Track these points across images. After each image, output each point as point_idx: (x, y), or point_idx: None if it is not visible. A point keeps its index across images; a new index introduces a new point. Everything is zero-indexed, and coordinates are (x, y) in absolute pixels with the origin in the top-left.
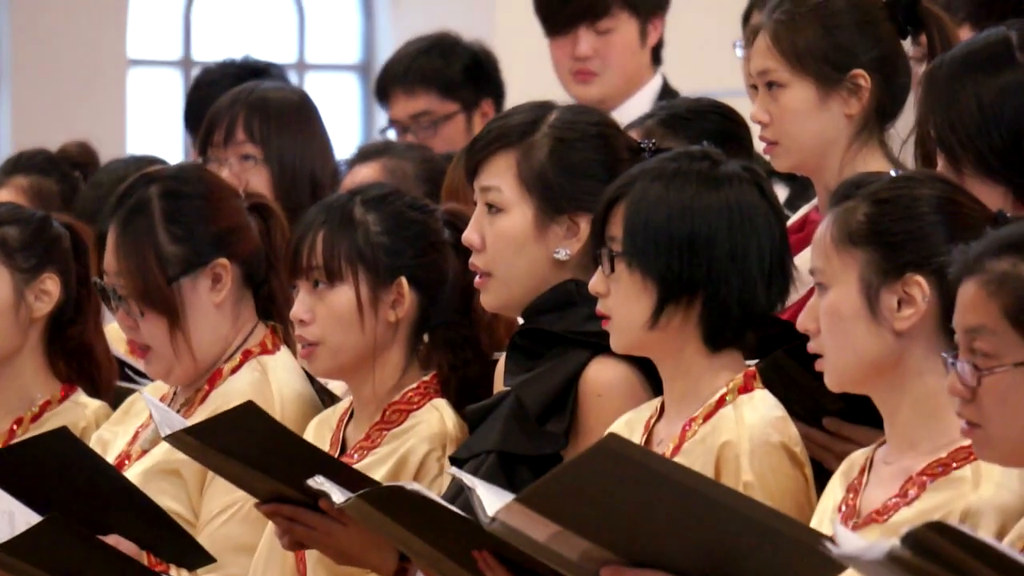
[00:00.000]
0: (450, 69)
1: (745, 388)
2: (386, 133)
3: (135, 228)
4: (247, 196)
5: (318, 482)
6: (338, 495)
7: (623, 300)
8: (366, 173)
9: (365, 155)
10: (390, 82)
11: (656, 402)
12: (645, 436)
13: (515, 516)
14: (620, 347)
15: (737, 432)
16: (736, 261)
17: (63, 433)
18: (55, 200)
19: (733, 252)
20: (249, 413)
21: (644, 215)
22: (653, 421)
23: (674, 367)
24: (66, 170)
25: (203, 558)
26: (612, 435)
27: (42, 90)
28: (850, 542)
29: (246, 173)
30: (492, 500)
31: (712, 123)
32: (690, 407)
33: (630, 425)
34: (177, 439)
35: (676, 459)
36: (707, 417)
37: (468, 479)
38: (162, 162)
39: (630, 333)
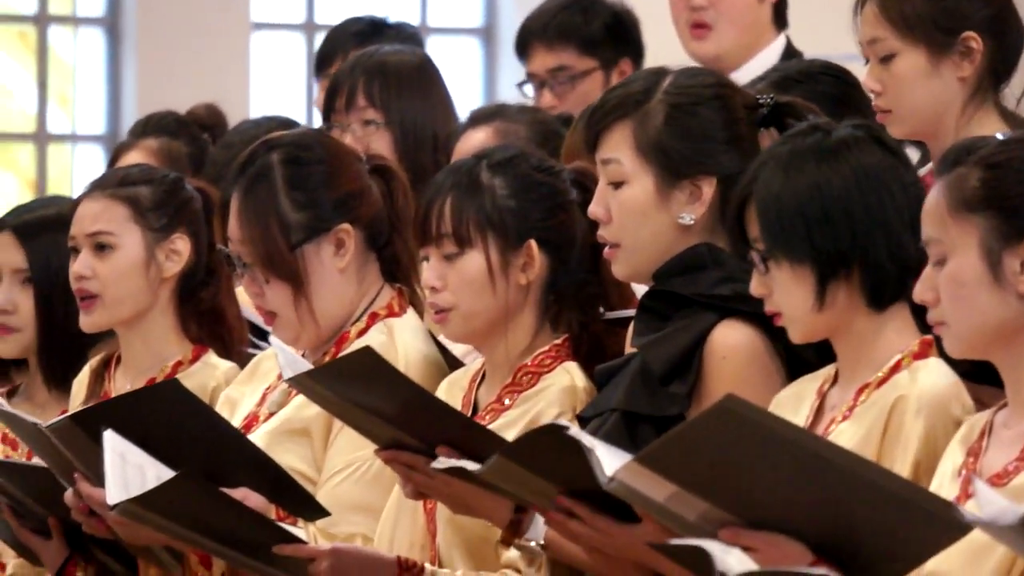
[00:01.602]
0: (590, 26)
1: (920, 354)
2: (523, 87)
3: (257, 196)
4: (368, 158)
5: (442, 463)
6: (470, 467)
7: (785, 294)
8: (479, 138)
9: (476, 119)
10: (530, 36)
11: (830, 369)
12: (817, 402)
13: (634, 476)
14: (797, 337)
15: (910, 392)
16: (876, 221)
17: (174, 384)
18: (184, 162)
19: (870, 213)
20: (368, 359)
21: (774, 208)
22: (827, 387)
23: (846, 336)
24: (195, 132)
25: (317, 511)
26: (730, 395)
27: (167, 54)
28: (991, 501)
29: (368, 138)
30: (611, 460)
31: (824, 85)
32: (864, 372)
33: (799, 392)
34: (299, 382)
35: (846, 424)
36: (881, 383)
37: (587, 439)
38: (293, 123)
39: (802, 322)
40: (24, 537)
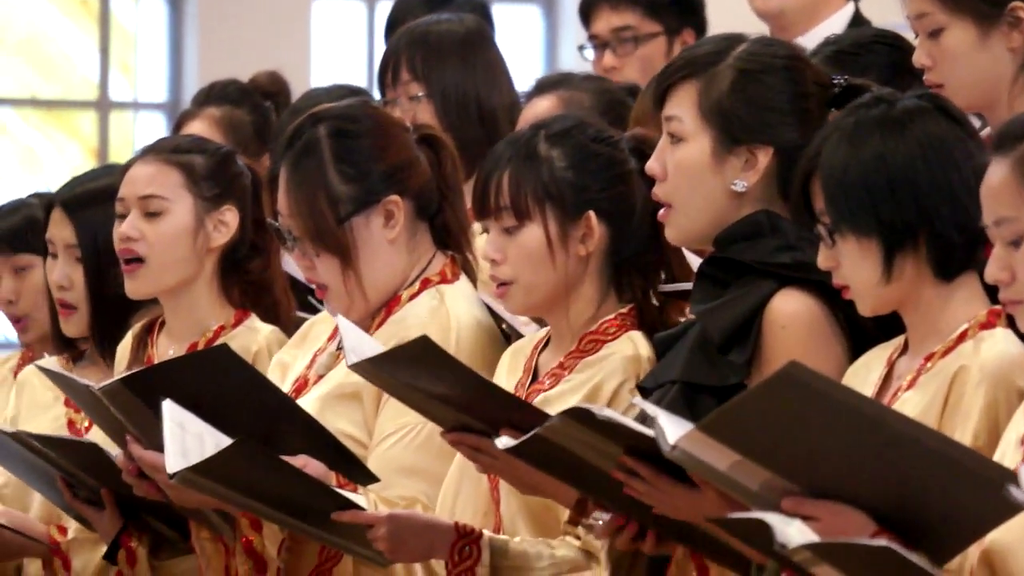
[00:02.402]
0: None
1: (987, 324)
2: (583, 51)
3: (305, 169)
4: (415, 128)
5: (505, 442)
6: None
7: (852, 267)
8: (544, 106)
9: (541, 88)
10: None
11: (900, 339)
12: (886, 371)
13: (696, 444)
14: (866, 310)
15: (972, 363)
16: (941, 191)
17: (224, 349)
18: (246, 130)
19: (935, 183)
20: (425, 347)
21: (839, 179)
22: (896, 356)
23: (914, 307)
24: (257, 100)
25: (367, 476)
26: (793, 363)
27: (228, 22)
28: None
29: (414, 111)
30: (674, 429)
31: (879, 55)
32: (931, 341)
33: (869, 362)
34: (361, 368)
35: (911, 392)
36: (946, 352)
37: (651, 408)
38: (362, 91)
39: (871, 295)
40: (77, 508)
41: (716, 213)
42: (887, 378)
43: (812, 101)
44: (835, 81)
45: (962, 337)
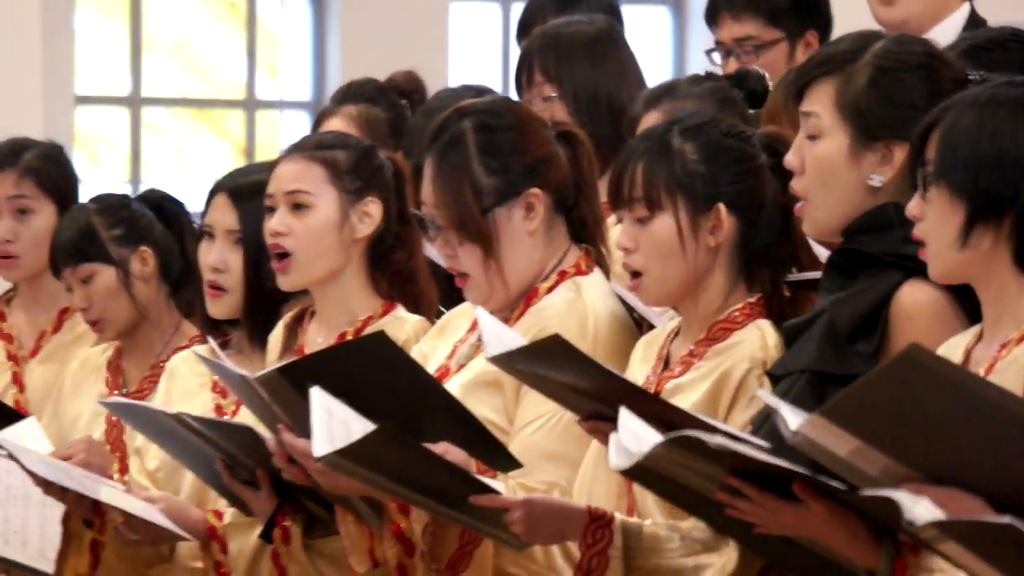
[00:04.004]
0: None
1: None
2: (711, 55)
3: (451, 161)
4: (554, 125)
5: (718, 443)
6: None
7: (935, 221)
8: (652, 120)
9: (648, 102)
10: (719, 5)
11: (976, 328)
12: (962, 360)
13: (817, 430)
14: (935, 273)
15: None
16: None
17: (380, 337)
18: (382, 127)
19: None
20: (558, 345)
21: (955, 137)
22: (972, 345)
23: (989, 290)
24: (393, 99)
25: (510, 462)
26: (915, 345)
27: (370, 23)
28: None
29: (550, 111)
30: (795, 417)
31: (1013, 53)
32: (1006, 328)
33: (948, 350)
34: (499, 361)
35: (988, 378)
36: (1021, 339)
37: (771, 399)
38: (490, 91)
39: (943, 257)
40: (235, 488)
41: (852, 207)
42: (964, 366)
43: (947, 97)
44: (971, 77)
45: None
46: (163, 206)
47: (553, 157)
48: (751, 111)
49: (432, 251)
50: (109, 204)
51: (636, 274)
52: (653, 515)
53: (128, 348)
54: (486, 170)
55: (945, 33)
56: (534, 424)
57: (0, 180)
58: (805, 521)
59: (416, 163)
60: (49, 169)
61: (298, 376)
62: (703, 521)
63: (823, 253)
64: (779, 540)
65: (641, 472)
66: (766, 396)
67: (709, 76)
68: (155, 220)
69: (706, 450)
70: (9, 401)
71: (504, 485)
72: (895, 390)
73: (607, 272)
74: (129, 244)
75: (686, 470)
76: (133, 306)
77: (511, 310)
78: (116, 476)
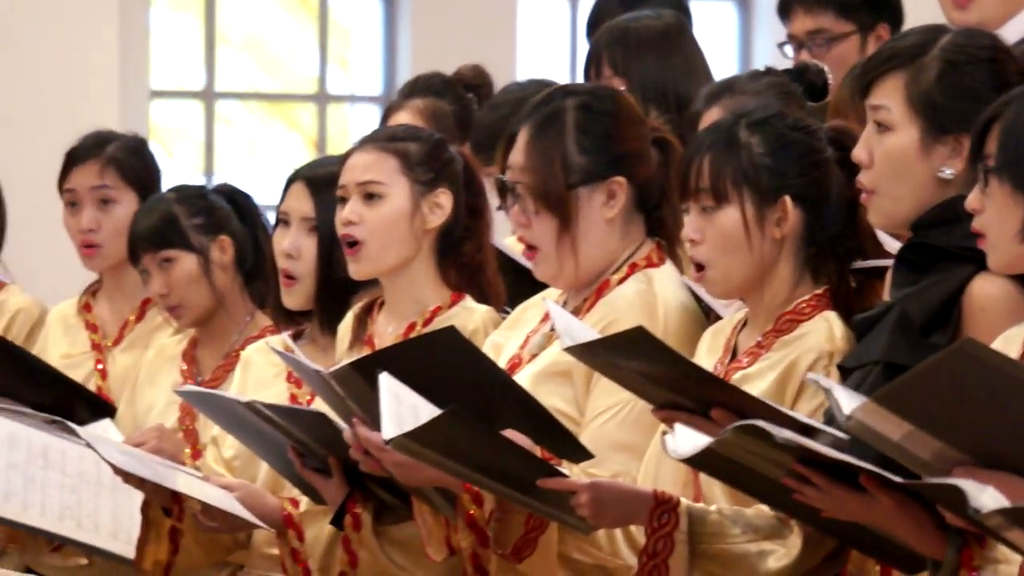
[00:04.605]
0: None
1: None
2: (783, 48)
3: (547, 131)
4: (652, 129)
5: (786, 437)
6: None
7: (995, 214)
8: (712, 117)
9: (709, 99)
10: None
11: None
12: (1021, 351)
13: (871, 415)
14: (995, 264)
15: None
16: None
17: (451, 332)
18: (449, 121)
19: None
20: (640, 336)
21: (1018, 130)
22: None
23: None
24: (460, 92)
25: (582, 453)
26: (969, 340)
27: (440, 18)
28: None
29: None
30: (849, 400)
31: None
32: None
33: (1007, 340)
34: (575, 351)
35: None
36: None
37: (824, 381)
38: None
39: (1002, 248)
40: (307, 476)
41: (922, 200)
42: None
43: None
44: None
45: None
46: (235, 199)
47: (644, 153)
48: (811, 104)
49: (501, 243)
50: (189, 194)
51: (700, 267)
52: (720, 502)
53: (203, 337)
54: (578, 148)
55: (1018, 27)
56: (606, 414)
57: (84, 171)
58: (872, 510)
59: (510, 130)
60: (132, 161)
61: (371, 370)
62: (770, 505)
63: (890, 243)
64: (848, 523)
65: (708, 457)
66: (819, 378)
67: (768, 71)
68: (231, 211)
69: (773, 440)
70: (92, 389)
71: (569, 471)
72: (948, 380)
73: (680, 266)
74: (209, 233)
75: (754, 456)
76: (211, 294)
77: (582, 300)
78: (188, 463)
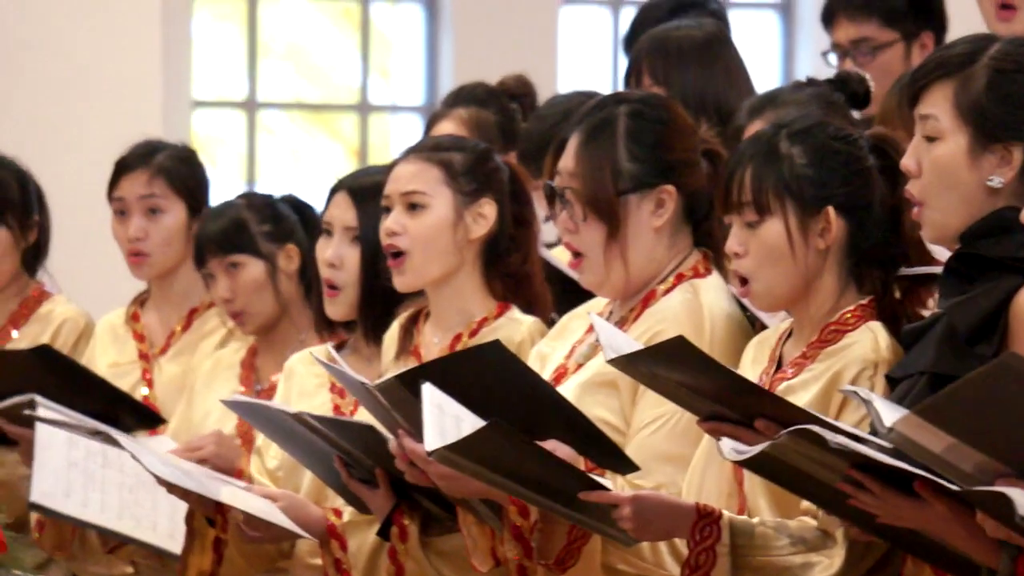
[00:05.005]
0: None
1: None
2: (827, 56)
3: (598, 138)
4: (701, 140)
5: (839, 442)
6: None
7: None
8: (756, 129)
9: (751, 112)
10: (835, 6)
11: None
12: None
13: (912, 427)
14: None
15: None
16: None
17: (496, 346)
18: (493, 130)
19: None
20: (682, 347)
21: None
22: None
23: None
24: (503, 102)
25: (628, 465)
26: (1011, 354)
27: (481, 28)
28: None
29: None
30: (889, 412)
31: None
32: None
33: None
34: (619, 363)
35: None
36: None
37: (864, 392)
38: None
39: None
40: (353, 487)
41: (972, 209)
42: None
43: None
44: None
45: None
46: (300, 209)
47: (694, 163)
48: (856, 114)
49: (546, 253)
50: (258, 201)
51: (744, 281)
52: (763, 514)
53: (262, 346)
54: (629, 155)
55: None
56: (652, 426)
57: (133, 179)
58: (926, 517)
59: (561, 137)
60: (181, 170)
61: (416, 383)
62: (826, 510)
63: (938, 251)
64: (903, 529)
65: (764, 461)
66: (858, 390)
67: (811, 82)
68: (298, 222)
69: (827, 444)
70: (139, 398)
71: (612, 483)
72: (990, 394)
73: (727, 277)
74: (276, 241)
75: (809, 460)
76: (276, 302)
77: (628, 310)
78: (246, 469)
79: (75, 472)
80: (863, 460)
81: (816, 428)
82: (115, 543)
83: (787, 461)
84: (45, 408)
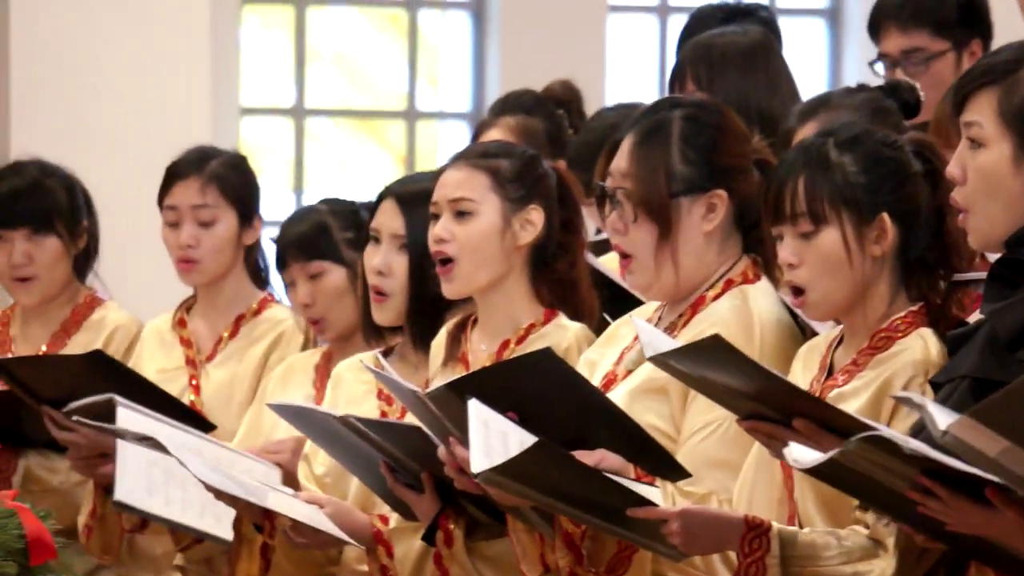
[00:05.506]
0: (944, 7)
1: None
2: (874, 66)
3: (652, 139)
4: (754, 150)
5: (913, 448)
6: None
7: None
8: (807, 132)
9: (804, 115)
10: (885, 16)
11: None
12: None
13: (966, 431)
14: None
15: None
16: None
17: (547, 353)
18: (540, 138)
19: None
20: (718, 345)
21: None
22: None
23: None
24: (550, 109)
25: (679, 472)
26: None
27: (529, 36)
28: None
29: None
30: (943, 416)
31: None
32: None
33: None
34: (659, 361)
35: None
36: None
37: (916, 397)
38: None
39: None
40: (399, 491)
41: (1015, 216)
42: None
43: None
44: None
45: None
46: None
47: (746, 170)
48: (907, 123)
49: (593, 259)
50: (341, 208)
51: (799, 291)
52: (814, 521)
53: (337, 353)
54: (682, 157)
55: None
56: (703, 432)
57: (185, 187)
58: (996, 524)
59: (615, 139)
60: (233, 178)
61: (466, 391)
62: (893, 518)
63: (989, 257)
64: (972, 536)
65: (832, 468)
66: (911, 395)
67: (862, 87)
68: None
69: (897, 451)
70: (186, 404)
71: (662, 492)
72: None
73: (775, 282)
74: (358, 248)
75: (877, 467)
76: (355, 310)
77: (678, 315)
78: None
79: (156, 471)
80: (933, 466)
81: (887, 433)
82: (187, 541)
83: (856, 469)
84: (123, 408)
